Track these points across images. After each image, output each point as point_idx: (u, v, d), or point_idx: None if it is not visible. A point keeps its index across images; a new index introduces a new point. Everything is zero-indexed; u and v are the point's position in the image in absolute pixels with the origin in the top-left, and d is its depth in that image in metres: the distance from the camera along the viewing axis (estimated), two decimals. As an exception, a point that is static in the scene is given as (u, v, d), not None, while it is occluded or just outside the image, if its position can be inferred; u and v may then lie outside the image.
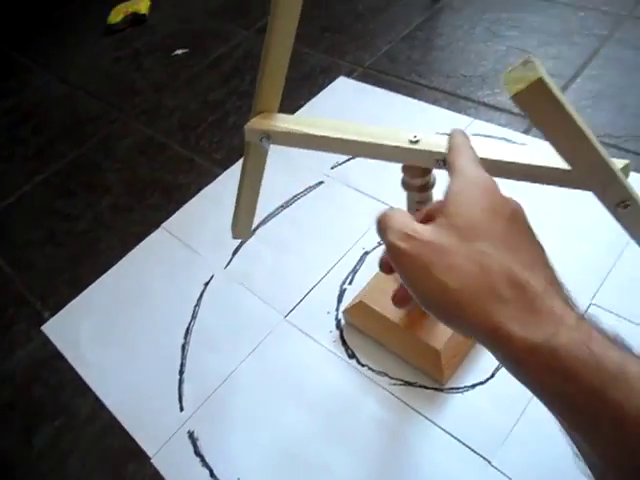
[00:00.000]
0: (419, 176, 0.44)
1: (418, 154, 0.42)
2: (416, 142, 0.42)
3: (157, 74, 1.14)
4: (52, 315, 0.74)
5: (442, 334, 0.56)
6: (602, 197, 0.36)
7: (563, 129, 0.30)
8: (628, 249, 0.63)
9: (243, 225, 0.58)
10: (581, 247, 0.64)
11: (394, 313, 0.59)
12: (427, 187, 0.46)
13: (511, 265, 0.25)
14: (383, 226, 0.29)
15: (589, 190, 0.35)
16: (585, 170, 0.33)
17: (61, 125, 1.08)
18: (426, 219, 0.30)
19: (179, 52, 1.17)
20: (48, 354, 0.70)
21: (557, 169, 0.36)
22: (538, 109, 0.29)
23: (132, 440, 0.60)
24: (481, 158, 0.34)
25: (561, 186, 0.38)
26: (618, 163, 0.38)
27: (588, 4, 1.00)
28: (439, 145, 0.41)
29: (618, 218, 0.37)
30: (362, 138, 0.43)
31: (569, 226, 0.67)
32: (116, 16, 1.31)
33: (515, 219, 0.28)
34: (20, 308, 0.77)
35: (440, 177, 0.47)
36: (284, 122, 0.47)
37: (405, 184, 0.46)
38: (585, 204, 0.68)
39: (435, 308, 0.27)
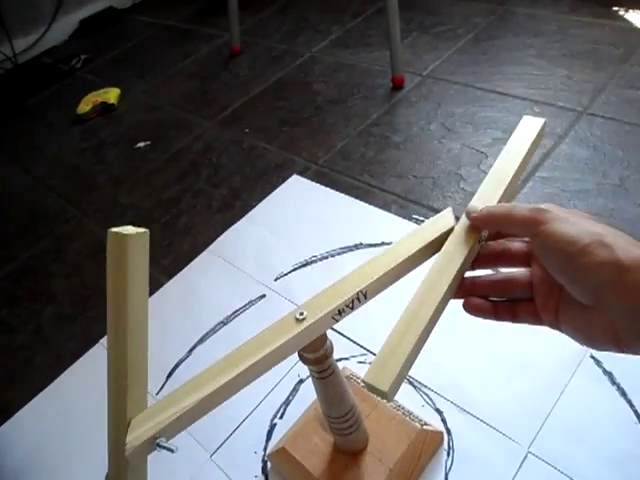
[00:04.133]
0: (311, 351, 0.42)
1: (313, 328, 0.39)
2: (303, 319, 0.39)
3: (118, 167, 1.14)
4: (-24, 445, 0.71)
5: (363, 493, 0.52)
6: None
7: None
8: (570, 385, 0.59)
9: None
10: (523, 382, 0.61)
11: (315, 464, 0.55)
12: (323, 359, 0.43)
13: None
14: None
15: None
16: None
17: (18, 223, 1.07)
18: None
19: (141, 145, 1.17)
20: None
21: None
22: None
23: None
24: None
25: None
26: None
27: (543, 99, 0.99)
28: (332, 301, 0.39)
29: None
30: (255, 358, 0.37)
31: (513, 357, 0.63)
32: (85, 106, 1.32)
33: None
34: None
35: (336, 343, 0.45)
36: (164, 411, 0.36)
37: (301, 357, 0.43)
38: (530, 334, 0.65)
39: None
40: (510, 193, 0.40)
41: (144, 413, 0.37)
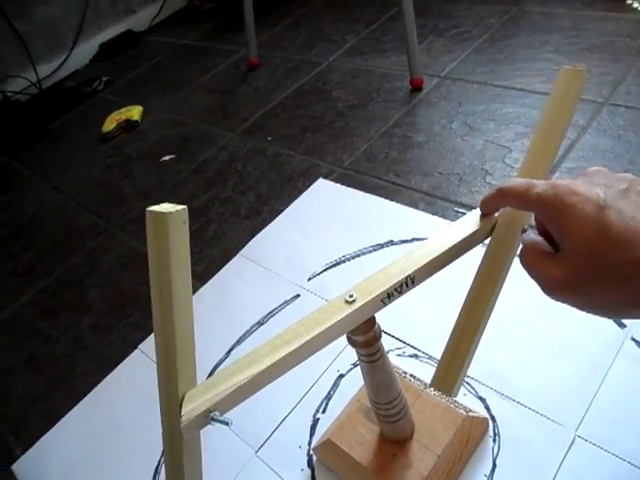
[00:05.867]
0: (361, 334, 0.42)
1: (363, 310, 0.40)
2: (353, 301, 0.40)
3: (145, 181, 1.17)
4: (24, 452, 0.72)
5: (412, 479, 0.52)
6: None
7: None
8: (613, 367, 0.59)
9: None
10: (565, 367, 0.61)
11: (363, 454, 0.55)
12: (372, 342, 0.44)
13: None
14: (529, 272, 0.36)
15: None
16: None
17: (51, 239, 1.10)
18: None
19: (166, 158, 1.20)
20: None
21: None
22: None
23: None
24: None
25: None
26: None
27: (563, 92, 0.99)
28: (381, 285, 0.40)
29: None
30: (307, 337, 0.39)
31: (553, 342, 0.63)
32: (110, 124, 1.36)
33: None
34: (-7, 444, 0.75)
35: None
36: (218, 386, 0.37)
37: (350, 340, 0.44)
38: (569, 319, 0.66)
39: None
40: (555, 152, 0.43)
41: (197, 388, 0.38)
